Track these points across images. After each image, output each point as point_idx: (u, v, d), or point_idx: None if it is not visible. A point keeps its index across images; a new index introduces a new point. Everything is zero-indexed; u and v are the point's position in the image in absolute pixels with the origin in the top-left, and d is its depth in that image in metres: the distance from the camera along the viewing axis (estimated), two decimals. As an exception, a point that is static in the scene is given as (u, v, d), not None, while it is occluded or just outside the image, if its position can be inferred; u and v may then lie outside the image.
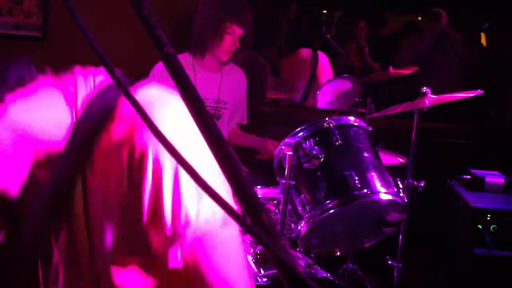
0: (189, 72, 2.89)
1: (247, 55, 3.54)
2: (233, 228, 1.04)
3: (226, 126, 3.05)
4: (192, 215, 0.99)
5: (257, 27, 2.98)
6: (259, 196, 2.58)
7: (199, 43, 2.86)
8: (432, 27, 4.87)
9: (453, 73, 4.56)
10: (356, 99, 4.02)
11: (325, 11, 7.51)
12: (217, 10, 2.77)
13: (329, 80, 4.53)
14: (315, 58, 4.76)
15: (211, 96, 2.98)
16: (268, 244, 0.51)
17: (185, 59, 2.94)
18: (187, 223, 0.99)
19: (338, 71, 5.09)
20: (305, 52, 4.76)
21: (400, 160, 2.93)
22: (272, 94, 4.28)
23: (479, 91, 2.61)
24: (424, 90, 2.60)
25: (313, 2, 6.28)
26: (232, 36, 2.79)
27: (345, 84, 4.30)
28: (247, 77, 3.10)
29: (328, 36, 5.87)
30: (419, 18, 8.18)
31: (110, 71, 0.64)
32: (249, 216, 0.55)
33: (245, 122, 3.15)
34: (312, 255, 2.38)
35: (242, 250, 1.08)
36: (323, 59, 4.85)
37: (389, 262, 2.79)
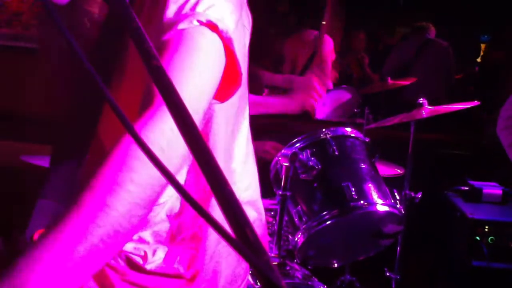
0: None
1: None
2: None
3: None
4: (201, 7, 0.97)
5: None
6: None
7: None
8: (417, 36, 4.92)
9: (438, 80, 4.59)
10: (355, 109, 4.03)
11: (324, 23, 7.54)
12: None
13: (328, 91, 4.53)
14: (319, 43, 4.82)
15: None
16: (252, 259, 0.50)
17: None
18: (191, 12, 0.96)
19: (338, 82, 5.10)
20: (310, 34, 4.87)
21: (398, 171, 2.93)
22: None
23: (476, 102, 2.61)
24: (421, 101, 2.60)
25: (311, 13, 6.30)
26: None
27: (344, 95, 4.31)
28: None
29: (327, 47, 5.90)
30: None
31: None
32: (234, 230, 0.55)
33: None
34: (309, 267, 2.37)
35: (213, 72, 0.99)
36: (328, 44, 4.91)
37: (387, 274, 2.77)
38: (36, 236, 0.99)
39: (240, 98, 1.19)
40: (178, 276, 1.11)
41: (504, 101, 2.98)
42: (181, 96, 0.87)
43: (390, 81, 3.88)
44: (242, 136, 1.26)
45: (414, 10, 7.64)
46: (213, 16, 0.97)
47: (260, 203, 1.35)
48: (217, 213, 0.58)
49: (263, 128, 3.33)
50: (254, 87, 3.32)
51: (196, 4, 0.97)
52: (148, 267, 1.09)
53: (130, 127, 0.60)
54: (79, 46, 0.70)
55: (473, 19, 5.59)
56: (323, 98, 4.27)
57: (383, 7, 7.06)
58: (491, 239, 2.66)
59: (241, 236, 0.54)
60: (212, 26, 0.97)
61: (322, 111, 4.26)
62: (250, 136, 1.32)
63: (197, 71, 0.96)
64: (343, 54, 5.83)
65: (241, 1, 1.10)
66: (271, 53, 4.62)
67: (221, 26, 0.98)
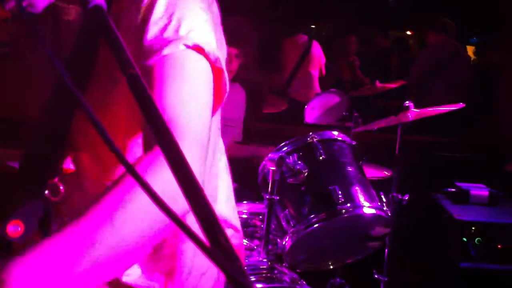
0: None
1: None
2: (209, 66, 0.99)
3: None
4: (183, 30, 0.96)
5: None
6: (245, 211, 2.59)
7: None
8: (444, 40, 4.79)
9: (458, 86, 4.58)
10: (344, 113, 4.05)
11: (313, 26, 7.58)
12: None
13: (317, 95, 4.56)
14: (308, 46, 4.97)
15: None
16: (223, 265, 0.51)
17: None
18: (174, 35, 0.95)
19: (329, 86, 5.13)
20: (302, 38, 5.09)
21: (386, 173, 2.95)
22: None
23: (461, 105, 2.64)
24: (407, 104, 2.62)
25: (302, 17, 6.34)
26: (228, 56, 2.76)
27: (333, 99, 4.33)
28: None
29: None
30: (408, 33, 8.27)
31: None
32: (207, 236, 0.56)
33: (239, 139, 3.13)
34: (298, 270, 2.38)
35: (207, 95, 0.99)
36: (316, 49, 5.08)
37: (376, 276, 2.79)
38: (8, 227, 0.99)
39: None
40: None
41: (500, 102, 3.02)
42: (186, 128, 0.88)
43: (378, 84, 3.91)
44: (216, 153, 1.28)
45: (405, 13, 7.69)
46: (198, 39, 0.96)
47: (235, 220, 1.34)
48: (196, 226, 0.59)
49: (254, 132, 3.34)
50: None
51: (178, 26, 0.96)
52: (124, 279, 1.07)
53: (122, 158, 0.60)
54: (55, 54, 0.71)
55: (465, 20, 5.63)
56: (312, 102, 4.30)
57: (375, 11, 7.10)
58: (478, 240, 2.68)
59: (214, 242, 0.55)
60: (198, 49, 0.97)
61: (311, 115, 4.28)
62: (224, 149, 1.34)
63: (195, 98, 0.96)
64: (334, 58, 5.87)
65: (216, 20, 1.11)
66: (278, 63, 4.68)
67: (207, 48, 0.98)
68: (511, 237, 2.70)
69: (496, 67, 4.31)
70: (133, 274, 1.09)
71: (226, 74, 1.04)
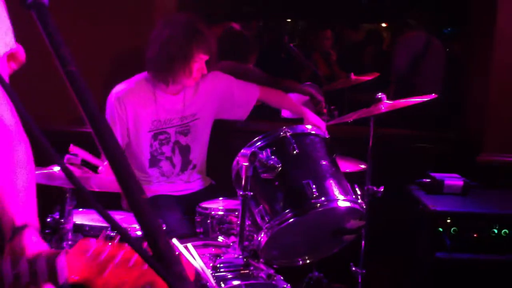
0: (149, 96, 2.80)
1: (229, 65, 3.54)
2: None
3: (201, 136, 2.96)
4: None
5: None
6: (221, 208, 2.57)
7: (163, 73, 2.73)
8: (414, 33, 4.82)
9: (436, 79, 4.61)
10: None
11: (289, 20, 7.58)
12: (184, 41, 2.65)
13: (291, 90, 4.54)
14: None
15: (176, 115, 2.88)
16: (159, 271, 0.49)
17: (144, 84, 2.82)
18: None
19: (304, 80, 5.11)
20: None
21: (361, 166, 2.94)
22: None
23: (433, 96, 2.64)
24: (379, 96, 2.62)
25: (276, 12, 6.33)
26: (200, 63, 2.71)
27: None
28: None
29: (291, 45, 5.92)
30: (384, 25, 8.32)
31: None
32: (147, 240, 0.53)
33: (243, 118, 3.08)
34: (275, 266, 2.37)
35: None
36: None
37: (353, 269, 2.79)
38: None
39: None
40: None
41: (466, 94, 3.02)
42: None
43: (353, 76, 3.90)
44: None
45: (378, 6, 7.72)
46: None
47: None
48: None
49: (227, 128, 3.31)
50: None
51: None
52: None
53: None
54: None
55: (439, 10, 5.67)
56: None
57: (347, 4, 7.12)
58: (454, 230, 2.70)
59: (154, 247, 0.52)
60: None
61: (287, 110, 4.26)
62: None
63: None
64: (309, 53, 5.87)
65: None
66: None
67: None
68: (486, 227, 2.72)
69: (464, 58, 4.33)
70: None
71: None
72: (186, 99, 2.89)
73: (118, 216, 2.55)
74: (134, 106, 2.79)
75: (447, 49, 5.06)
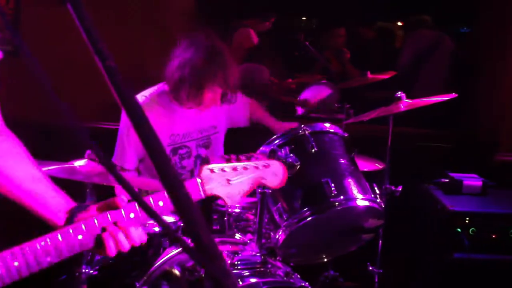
0: (165, 110, 2.69)
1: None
2: None
3: (218, 149, 2.92)
4: None
5: None
6: (238, 206, 2.56)
7: (175, 93, 2.63)
8: (422, 32, 4.82)
9: (445, 76, 4.58)
10: (335, 104, 4.02)
11: (304, 18, 7.55)
12: (201, 70, 2.53)
13: (307, 87, 4.53)
14: None
15: (193, 128, 2.81)
16: (205, 265, 0.48)
17: (160, 97, 2.72)
18: None
19: (317, 78, 5.09)
20: None
21: (378, 165, 2.92)
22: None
23: (453, 95, 2.62)
24: (399, 95, 2.60)
25: (291, 9, 6.31)
26: (213, 94, 2.61)
27: (324, 90, 4.30)
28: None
29: (307, 43, 5.90)
30: (399, 24, 8.25)
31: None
32: (189, 235, 0.53)
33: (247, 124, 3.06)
34: (291, 264, 2.36)
35: None
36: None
37: (370, 268, 2.77)
38: None
39: None
40: None
41: (482, 94, 2.99)
42: None
43: (369, 75, 3.88)
44: None
45: (394, 3, 7.64)
46: None
47: None
48: None
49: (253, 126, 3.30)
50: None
51: None
52: None
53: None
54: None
55: (453, 10, 5.61)
56: (303, 94, 4.27)
57: (361, 2, 7.06)
58: (472, 231, 2.67)
59: (196, 241, 0.52)
60: None
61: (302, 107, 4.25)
62: None
63: None
64: (322, 50, 5.83)
65: None
66: None
67: None
68: (505, 227, 2.69)
69: (480, 58, 4.29)
70: None
71: None
72: (203, 111, 2.78)
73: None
74: (150, 121, 2.71)
75: (463, 49, 5.01)
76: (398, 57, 4.96)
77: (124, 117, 2.72)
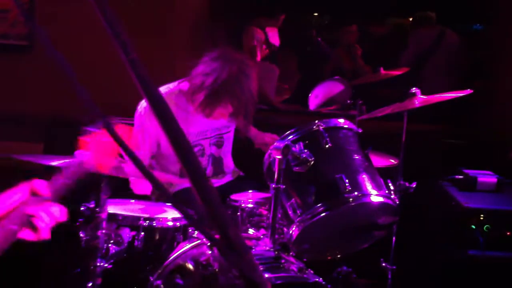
0: (180, 109, 2.68)
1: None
2: None
3: (229, 148, 2.94)
4: None
5: None
6: (250, 201, 2.56)
7: (192, 95, 2.64)
8: (426, 28, 4.84)
9: (448, 73, 4.56)
10: (348, 101, 4.02)
11: (316, 14, 7.52)
12: (221, 84, 2.53)
13: (320, 83, 4.52)
14: None
15: (208, 127, 2.82)
16: (233, 260, 0.49)
17: (176, 95, 2.73)
18: None
19: (328, 74, 5.08)
20: None
21: (392, 161, 2.91)
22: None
23: (469, 91, 2.60)
24: (413, 91, 2.58)
25: (302, 6, 6.30)
26: (225, 110, 2.62)
27: (336, 87, 4.29)
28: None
29: (319, 39, 5.89)
30: (411, 20, 8.20)
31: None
32: (217, 230, 0.53)
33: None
34: (305, 260, 2.36)
35: None
36: None
37: (383, 265, 2.76)
38: None
39: None
40: None
41: (497, 90, 2.97)
42: None
43: (382, 71, 3.86)
44: None
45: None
46: None
47: None
48: None
49: (258, 121, 3.30)
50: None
51: None
52: None
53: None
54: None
55: (466, 7, 5.57)
56: (315, 90, 4.26)
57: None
58: (487, 228, 2.65)
59: (224, 237, 0.52)
60: None
61: (314, 103, 4.24)
62: None
63: None
64: (334, 47, 5.82)
65: None
66: None
67: None
68: (519, 224, 2.67)
69: (494, 55, 4.26)
70: None
71: None
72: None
73: (138, 206, 2.56)
74: None
75: (477, 46, 4.98)
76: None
77: (138, 114, 2.73)
